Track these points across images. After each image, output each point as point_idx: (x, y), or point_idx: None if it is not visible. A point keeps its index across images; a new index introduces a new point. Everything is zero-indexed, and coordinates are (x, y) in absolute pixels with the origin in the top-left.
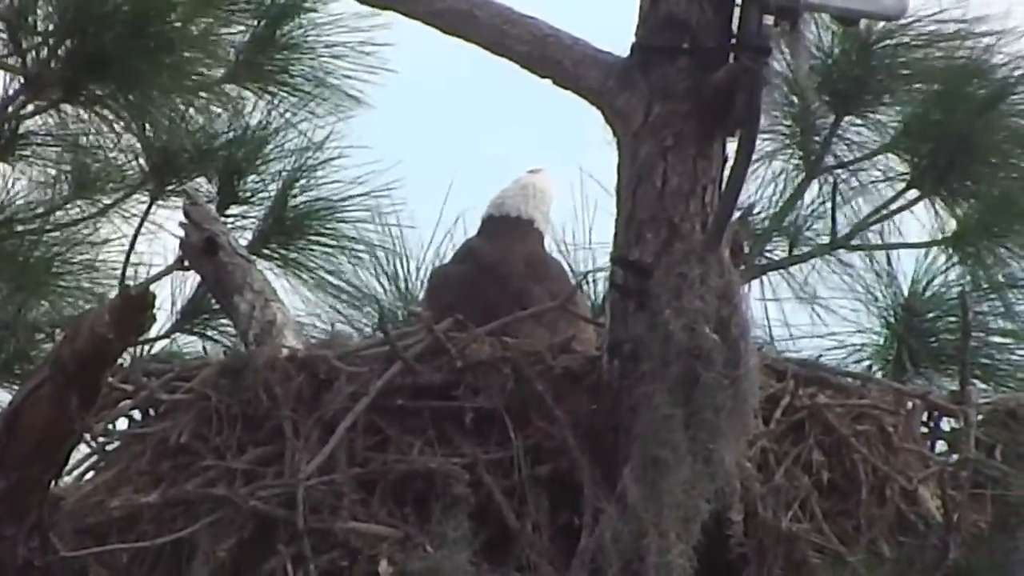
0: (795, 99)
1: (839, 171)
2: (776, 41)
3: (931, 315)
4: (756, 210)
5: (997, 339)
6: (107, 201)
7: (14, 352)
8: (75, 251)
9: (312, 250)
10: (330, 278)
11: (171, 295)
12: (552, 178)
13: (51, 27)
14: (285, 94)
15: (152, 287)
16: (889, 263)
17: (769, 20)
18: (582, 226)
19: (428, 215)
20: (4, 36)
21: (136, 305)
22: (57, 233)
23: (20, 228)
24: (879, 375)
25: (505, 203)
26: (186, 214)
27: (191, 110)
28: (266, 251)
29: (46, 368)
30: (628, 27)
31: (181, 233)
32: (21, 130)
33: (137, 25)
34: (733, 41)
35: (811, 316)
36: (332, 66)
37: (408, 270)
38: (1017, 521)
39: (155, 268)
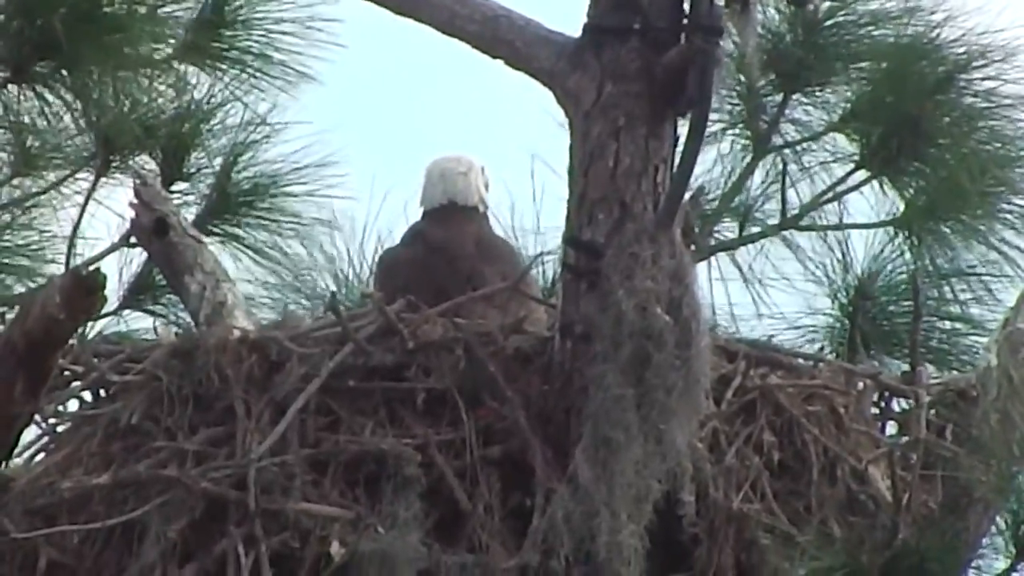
0: (743, 78)
1: (787, 151)
2: (726, 21)
3: (884, 298)
4: (706, 191)
5: (947, 324)
6: (52, 179)
7: None
8: (19, 229)
9: (256, 227)
10: (273, 254)
11: (118, 272)
12: (473, 159)
13: None
14: (234, 71)
15: (99, 264)
16: (846, 245)
17: (720, 1)
18: (532, 210)
19: (374, 194)
20: None
21: (87, 286)
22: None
23: None
24: (831, 357)
25: (437, 193)
26: (136, 194)
27: (137, 89)
28: (211, 228)
29: None
30: (580, 7)
31: (126, 210)
32: None
33: (84, 4)
34: (685, 22)
35: (759, 297)
36: (279, 42)
37: (349, 250)
38: (967, 502)
39: (101, 246)
